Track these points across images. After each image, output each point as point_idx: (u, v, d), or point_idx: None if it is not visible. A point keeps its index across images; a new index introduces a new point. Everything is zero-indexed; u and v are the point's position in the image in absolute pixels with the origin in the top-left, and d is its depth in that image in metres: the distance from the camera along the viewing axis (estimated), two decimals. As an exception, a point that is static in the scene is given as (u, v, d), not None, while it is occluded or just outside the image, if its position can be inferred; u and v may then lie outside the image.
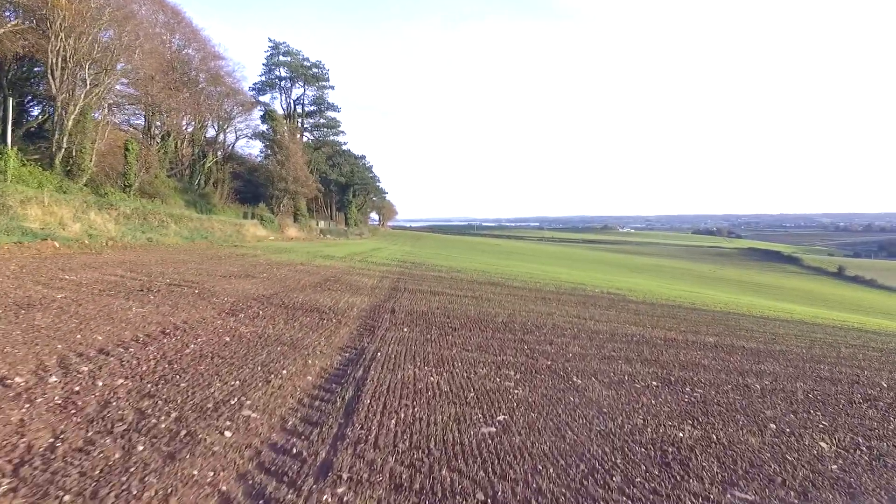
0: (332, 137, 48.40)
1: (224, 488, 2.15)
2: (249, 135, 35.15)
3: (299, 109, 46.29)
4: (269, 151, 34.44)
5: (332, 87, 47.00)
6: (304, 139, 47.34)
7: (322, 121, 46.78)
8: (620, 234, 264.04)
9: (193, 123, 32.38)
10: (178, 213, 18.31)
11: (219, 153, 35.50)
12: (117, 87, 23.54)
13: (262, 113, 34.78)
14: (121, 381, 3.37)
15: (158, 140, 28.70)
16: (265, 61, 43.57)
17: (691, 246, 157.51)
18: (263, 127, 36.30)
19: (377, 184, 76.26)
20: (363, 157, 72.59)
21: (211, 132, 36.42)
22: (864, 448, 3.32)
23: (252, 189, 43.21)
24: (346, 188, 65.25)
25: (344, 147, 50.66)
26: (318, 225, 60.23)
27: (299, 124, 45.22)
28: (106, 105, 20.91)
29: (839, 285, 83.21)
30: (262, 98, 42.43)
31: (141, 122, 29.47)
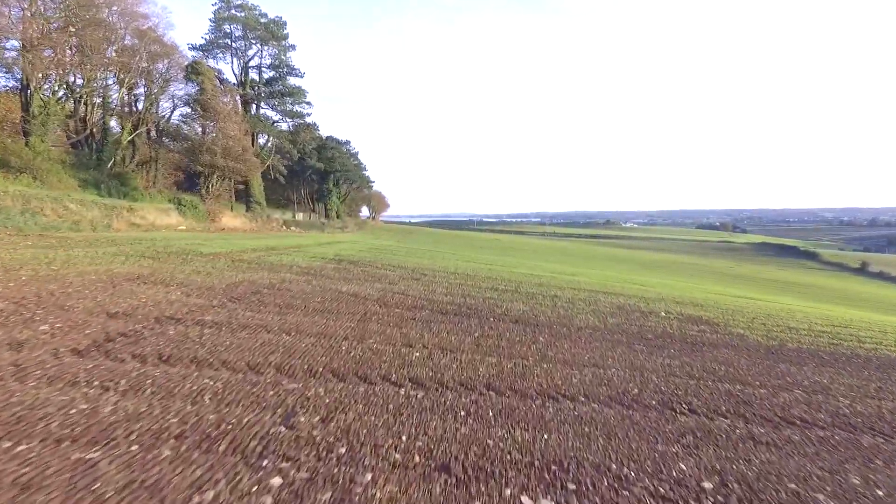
0: (294, 107, 41.00)
1: None
2: (191, 103, 27.98)
3: (255, 76, 39.00)
4: (193, 115, 27.33)
5: (294, 47, 39.53)
6: (264, 112, 40.08)
7: (282, 88, 39.32)
8: (624, 229, 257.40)
9: (106, 82, 25.30)
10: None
11: (149, 126, 28.46)
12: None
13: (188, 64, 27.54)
14: None
15: (45, 98, 21.65)
16: (212, 16, 36.18)
17: (700, 241, 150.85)
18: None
19: (363, 172, 69.05)
20: (347, 142, 65.56)
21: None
22: None
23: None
24: (325, 176, 58.17)
25: (308, 119, 43.42)
26: (290, 216, 53.27)
27: (254, 92, 37.80)
28: None
29: (867, 283, 76.49)
30: (209, 62, 35.36)
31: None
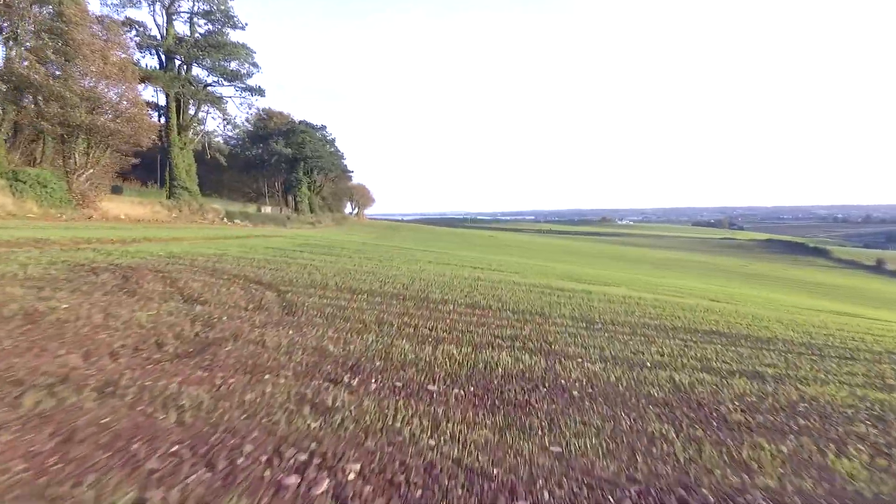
0: (231, 65, 32.75)
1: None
2: (42, 32, 20.23)
3: (185, 29, 30.88)
4: (44, 48, 19.52)
5: (232, -10, 31.33)
6: (196, 75, 32.03)
7: (216, 41, 30.97)
8: (620, 226, 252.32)
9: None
10: None
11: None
12: None
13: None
14: None
15: None
16: (123, -51, 28.43)
17: (702, 238, 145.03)
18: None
19: (341, 160, 61.44)
20: (322, 126, 58.22)
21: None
22: None
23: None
24: (294, 163, 50.78)
25: (250, 82, 35.16)
26: (254, 209, 45.84)
27: (180, 46, 29.49)
28: None
29: (890, 282, 70.67)
30: (125, 11, 27.61)
31: None
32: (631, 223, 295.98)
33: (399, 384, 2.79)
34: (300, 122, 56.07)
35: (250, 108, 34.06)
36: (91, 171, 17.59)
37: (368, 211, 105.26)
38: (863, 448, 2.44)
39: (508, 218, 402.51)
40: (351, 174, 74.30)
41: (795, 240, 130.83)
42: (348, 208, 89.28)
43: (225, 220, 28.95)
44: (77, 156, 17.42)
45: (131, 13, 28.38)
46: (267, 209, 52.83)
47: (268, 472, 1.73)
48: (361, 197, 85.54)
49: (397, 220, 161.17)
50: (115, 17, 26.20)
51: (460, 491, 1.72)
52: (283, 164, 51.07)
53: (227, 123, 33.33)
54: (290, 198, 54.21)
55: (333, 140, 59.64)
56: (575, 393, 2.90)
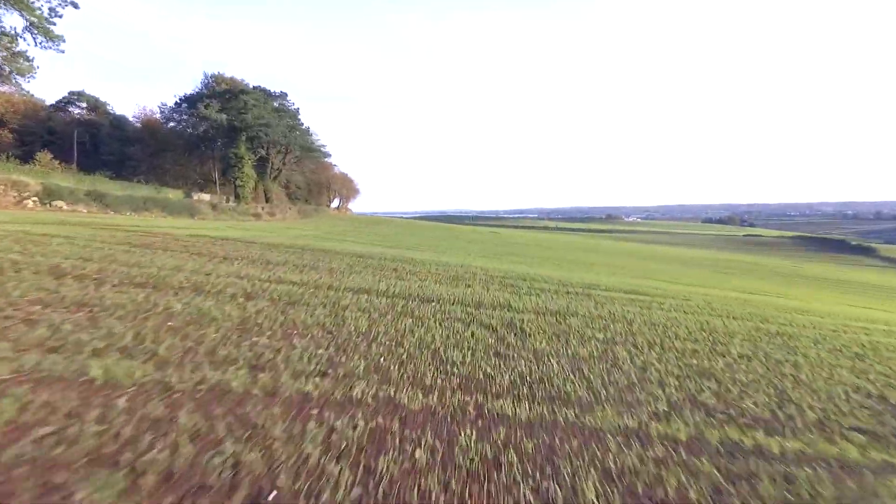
0: None
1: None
2: None
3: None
4: None
5: None
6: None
7: None
8: (628, 223, 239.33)
9: None
10: None
11: None
12: None
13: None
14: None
15: None
16: None
17: (726, 235, 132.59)
18: None
19: (306, 136, 48.69)
20: (283, 94, 46.01)
21: None
22: None
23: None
24: (231, 135, 38.44)
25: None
26: (180, 195, 33.66)
27: None
28: None
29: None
30: None
31: None
32: (638, 220, 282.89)
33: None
34: (255, 88, 43.92)
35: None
36: None
37: (362, 207, 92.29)
38: None
39: (511, 216, 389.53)
40: (329, 158, 61.45)
41: (833, 237, 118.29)
42: (336, 202, 76.52)
43: (34, 200, 17.06)
44: None
45: None
46: (204, 197, 40.72)
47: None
48: (343, 188, 72.79)
49: (396, 217, 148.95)
50: None
51: None
52: (221, 136, 38.85)
53: (34, 29, 20.79)
54: (234, 182, 41.95)
55: (297, 111, 47.34)
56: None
